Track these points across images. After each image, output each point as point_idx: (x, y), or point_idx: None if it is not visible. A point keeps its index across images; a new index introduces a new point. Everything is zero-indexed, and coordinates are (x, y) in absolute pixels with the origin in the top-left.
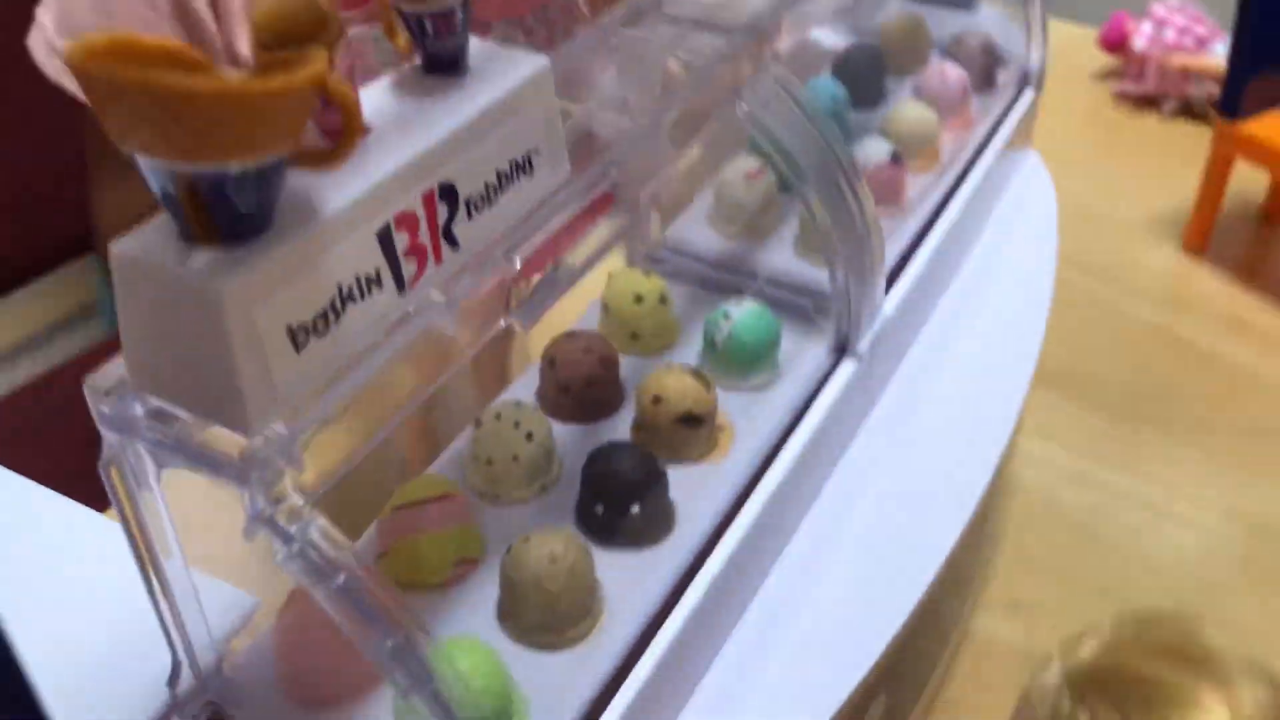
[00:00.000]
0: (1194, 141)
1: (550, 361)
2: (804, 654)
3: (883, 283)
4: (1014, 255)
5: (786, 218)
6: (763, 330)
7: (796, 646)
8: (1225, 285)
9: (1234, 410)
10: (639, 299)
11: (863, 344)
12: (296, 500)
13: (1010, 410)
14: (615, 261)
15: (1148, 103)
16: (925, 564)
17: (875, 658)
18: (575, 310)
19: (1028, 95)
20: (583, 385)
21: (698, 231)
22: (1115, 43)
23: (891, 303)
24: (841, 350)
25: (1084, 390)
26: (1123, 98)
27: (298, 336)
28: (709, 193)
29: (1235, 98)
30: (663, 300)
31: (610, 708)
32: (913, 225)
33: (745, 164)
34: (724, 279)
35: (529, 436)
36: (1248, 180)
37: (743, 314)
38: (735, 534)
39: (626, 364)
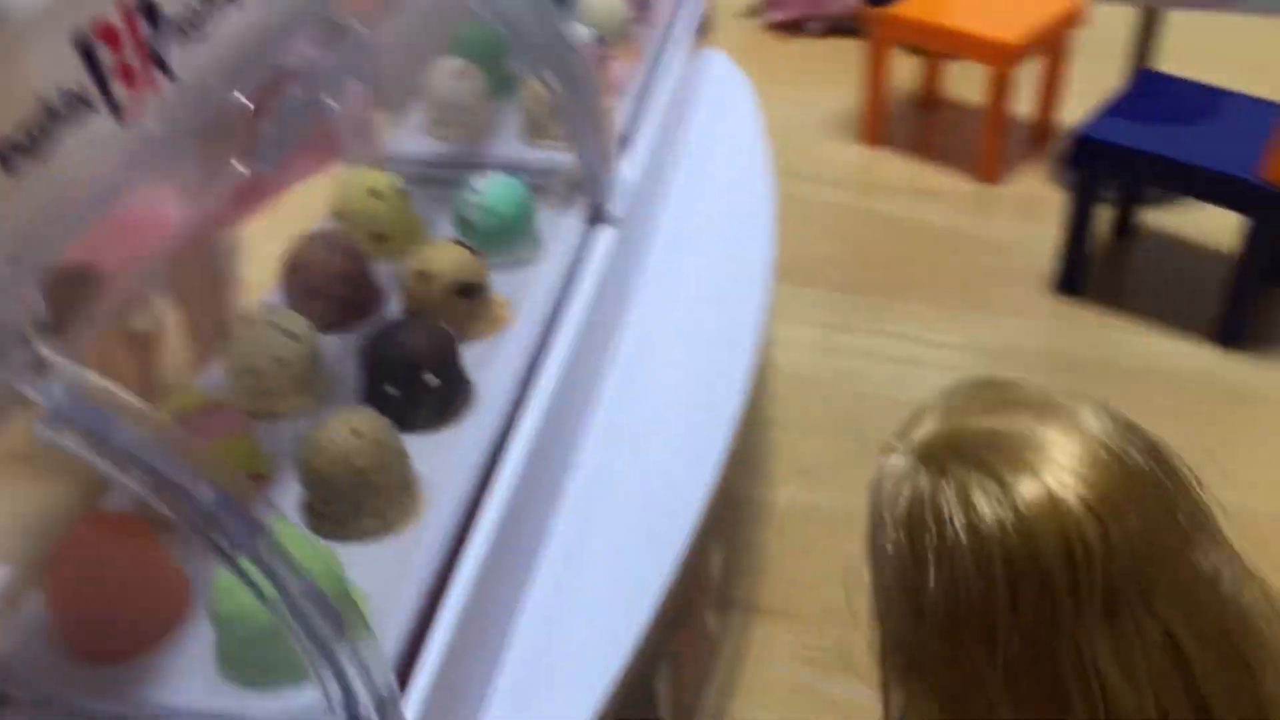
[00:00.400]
0: (844, 54)
1: (293, 268)
2: (631, 513)
3: (618, 150)
4: (731, 134)
5: (506, 113)
6: (515, 197)
7: (623, 507)
8: (906, 164)
9: (947, 262)
10: (377, 194)
11: (615, 208)
12: (42, 349)
13: (763, 263)
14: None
15: (794, 28)
16: (719, 425)
17: (697, 514)
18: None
19: None
20: (335, 284)
21: (417, 140)
22: None
23: (632, 170)
24: (596, 219)
25: (813, 276)
26: (771, 27)
27: (2, 153)
28: (420, 104)
29: None
30: (402, 194)
31: (453, 589)
32: (629, 105)
33: (451, 64)
34: (455, 180)
35: (292, 336)
36: (901, 78)
37: (491, 185)
38: (540, 404)
39: (376, 272)
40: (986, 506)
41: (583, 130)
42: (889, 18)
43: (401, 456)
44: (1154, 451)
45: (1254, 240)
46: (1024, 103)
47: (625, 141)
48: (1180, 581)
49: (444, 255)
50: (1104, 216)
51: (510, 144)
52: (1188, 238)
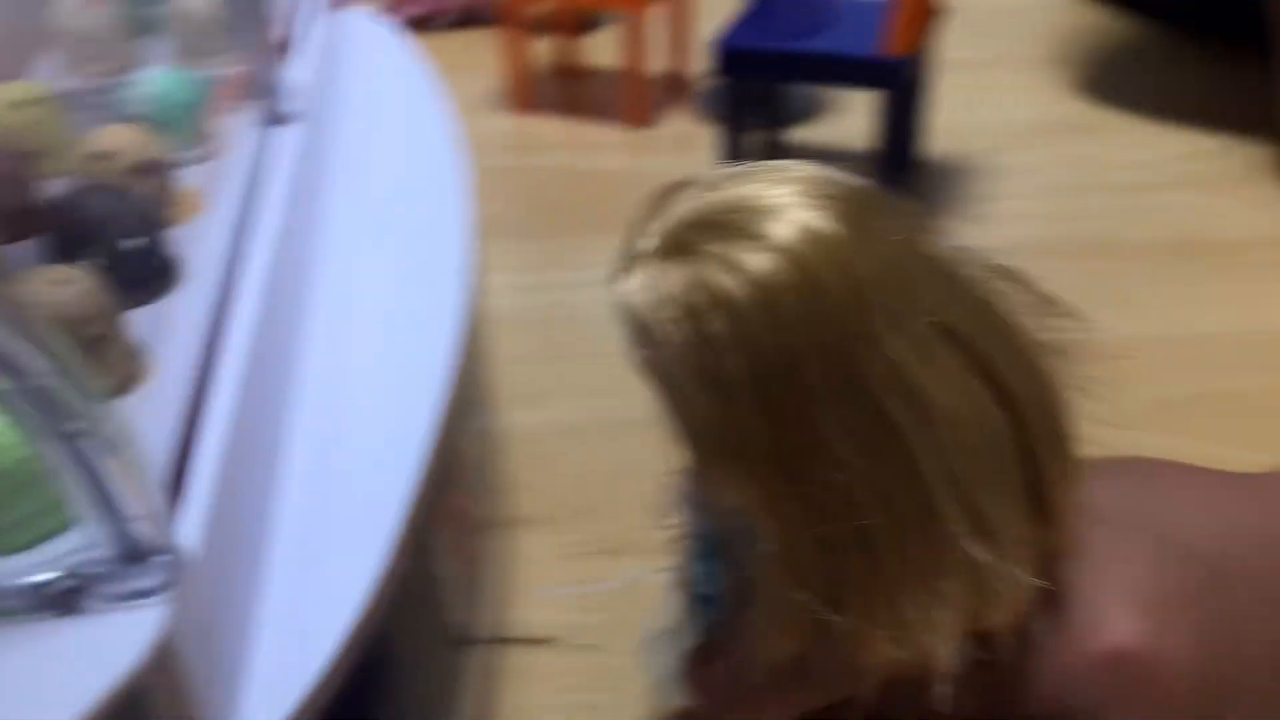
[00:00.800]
0: (478, 43)
1: None
2: (370, 400)
3: (285, 52)
4: (398, 68)
5: (153, 45)
6: (184, 85)
7: (361, 391)
8: (560, 124)
9: (618, 199)
10: (20, 105)
11: (292, 108)
12: None
13: (457, 180)
14: None
15: (421, 24)
16: (445, 306)
17: (442, 388)
18: None
19: None
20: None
21: (55, 79)
22: None
23: (303, 73)
24: (273, 119)
25: (497, 230)
26: (405, 24)
27: None
28: (55, 43)
29: None
30: (49, 102)
31: (207, 438)
32: (286, 22)
33: None
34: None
35: None
36: (541, 57)
37: (157, 76)
38: (257, 277)
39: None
40: (757, 263)
41: (247, 30)
42: None
43: (116, 308)
44: (858, 178)
45: (888, 113)
46: (659, 58)
47: (290, 45)
48: (937, 276)
49: (120, 134)
50: (755, 141)
51: (163, 69)
52: (829, 146)
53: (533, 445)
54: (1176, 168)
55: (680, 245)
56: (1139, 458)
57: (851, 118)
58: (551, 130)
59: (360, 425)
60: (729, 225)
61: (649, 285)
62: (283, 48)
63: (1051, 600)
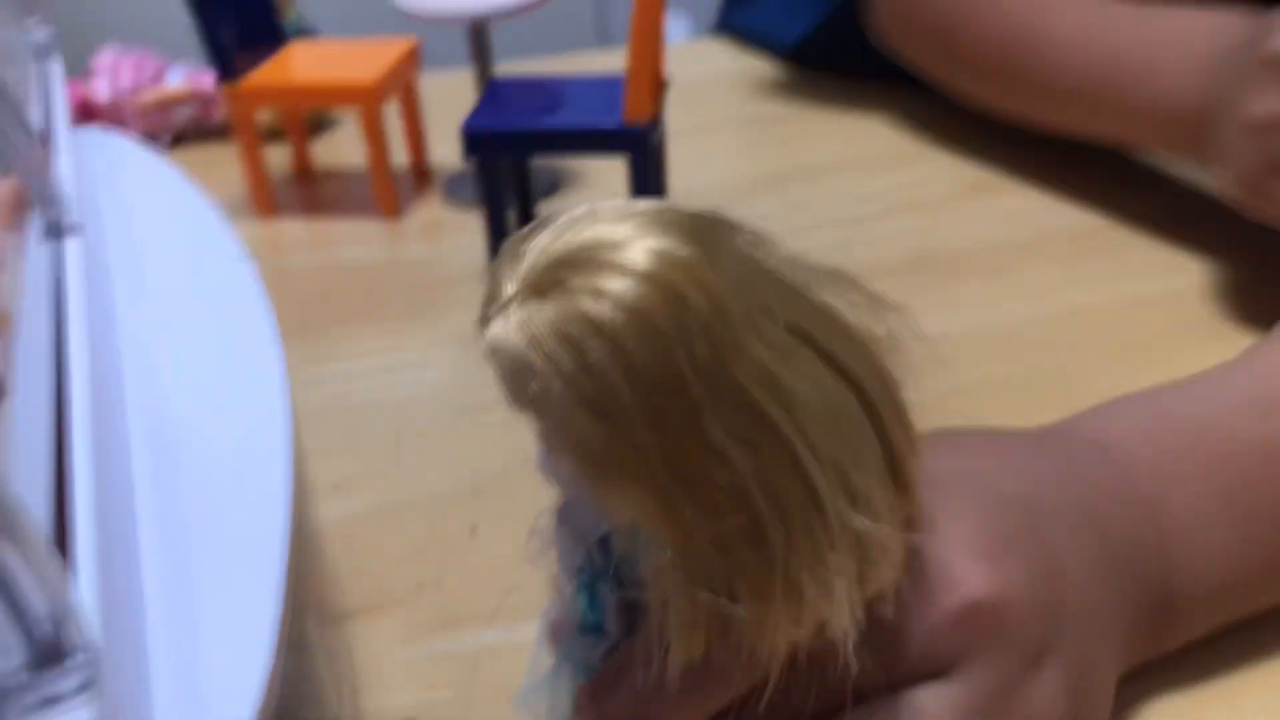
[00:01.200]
0: (204, 156)
1: None
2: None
3: (53, 158)
4: (159, 180)
5: None
6: None
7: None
8: (307, 224)
9: (382, 288)
10: None
11: (71, 218)
12: None
13: (251, 283)
14: None
15: (146, 140)
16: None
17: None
18: None
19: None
20: None
21: None
22: (81, 108)
23: (69, 179)
24: (59, 232)
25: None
26: None
27: None
28: None
29: (227, 65)
30: None
31: (80, 533)
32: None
33: None
34: None
35: None
36: (276, 164)
37: None
38: (85, 388)
39: None
40: (625, 288)
41: (13, 140)
42: (248, 90)
43: None
44: (691, 206)
45: (635, 177)
46: (396, 152)
47: (52, 150)
48: (780, 284)
49: None
50: (513, 218)
51: None
52: None
53: (348, 535)
54: (892, 197)
55: (545, 283)
56: (945, 431)
57: (594, 188)
58: (299, 231)
59: (217, 527)
60: (588, 261)
61: (521, 326)
62: (50, 150)
63: (911, 564)
